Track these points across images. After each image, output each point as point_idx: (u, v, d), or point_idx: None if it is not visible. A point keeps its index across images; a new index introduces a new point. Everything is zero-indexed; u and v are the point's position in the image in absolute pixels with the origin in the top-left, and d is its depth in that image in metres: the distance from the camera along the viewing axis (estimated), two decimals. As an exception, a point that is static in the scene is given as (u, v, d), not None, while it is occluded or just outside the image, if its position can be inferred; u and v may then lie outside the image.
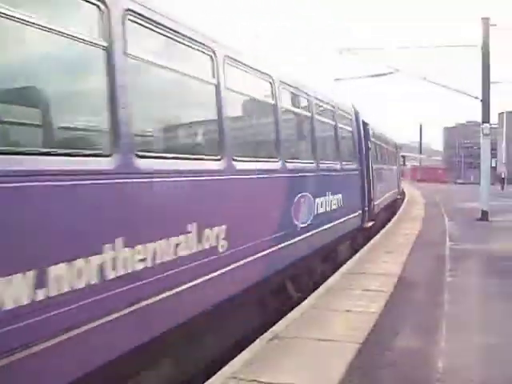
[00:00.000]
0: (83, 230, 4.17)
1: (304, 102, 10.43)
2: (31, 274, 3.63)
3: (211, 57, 6.38)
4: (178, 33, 5.68)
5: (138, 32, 5.04)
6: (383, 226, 19.46)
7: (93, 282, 4.18)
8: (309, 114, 10.50)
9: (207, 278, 5.87)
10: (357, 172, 14.86)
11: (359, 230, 15.17)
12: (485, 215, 21.54)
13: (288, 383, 5.29)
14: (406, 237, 16.13)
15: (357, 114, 15.63)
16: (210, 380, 5.45)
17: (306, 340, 6.60)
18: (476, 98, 22.39)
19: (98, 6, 4.51)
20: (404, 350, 6.26)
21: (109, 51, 4.60)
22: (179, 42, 5.77)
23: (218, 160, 6.46)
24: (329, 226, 11.10)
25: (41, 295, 3.71)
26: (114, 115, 4.64)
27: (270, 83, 8.40)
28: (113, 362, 4.35)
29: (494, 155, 53.61)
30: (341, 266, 11.86)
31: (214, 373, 5.63)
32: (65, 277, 3.91)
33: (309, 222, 9.63)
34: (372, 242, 15.41)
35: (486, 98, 22.04)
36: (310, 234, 9.64)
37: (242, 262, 6.79)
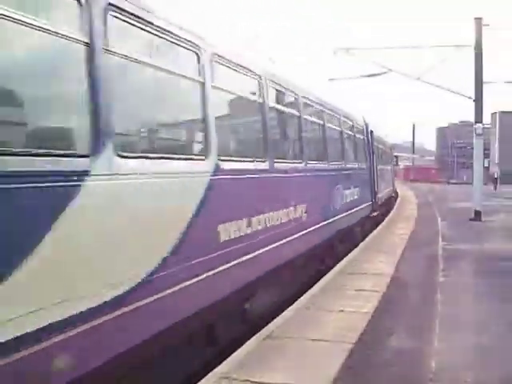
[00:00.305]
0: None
1: (336, 121, 14.05)
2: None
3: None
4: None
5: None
6: (383, 218, 22.25)
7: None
8: (340, 129, 14.38)
9: (299, 235, 9.58)
10: (367, 171, 18.85)
11: (368, 217, 18.74)
12: (478, 215, 21.58)
13: (281, 383, 5.28)
14: (398, 237, 16.15)
15: (366, 124, 19.80)
16: (202, 380, 5.44)
17: (300, 340, 6.60)
18: (469, 97, 22.44)
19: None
20: (397, 350, 6.27)
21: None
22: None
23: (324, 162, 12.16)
24: (351, 211, 14.94)
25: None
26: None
27: (315, 107, 11.81)
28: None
29: (486, 155, 53.66)
30: (355, 243, 15.13)
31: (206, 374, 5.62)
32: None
33: (341, 207, 13.52)
34: (365, 241, 15.43)
35: (479, 97, 22.08)
36: (342, 215, 13.53)
37: (313, 228, 10.58)
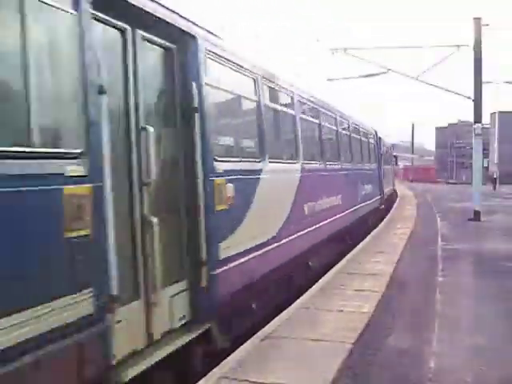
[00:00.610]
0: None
1: (358, 131, 18.51)
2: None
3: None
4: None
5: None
6: (387, 212, 25.39)
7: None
8: (359, 137, 18.76)
9: (339, 215, 13.65)
10: (377, 171, 23.10)
11: (376, 210, 22.58)
12: (477, 215, 21.55)
13: (280, 383, 5.28)
14: (398, 237, 16.14)
15: (376, 132, 24.53)
16: (201, 380, 5.43)
17: (298, 340, 6.59)
18: (468, 97, 22.43)
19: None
20: (396, 350, 6.27)
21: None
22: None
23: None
24: (367, 202, 19.10)
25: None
26: None
27: (345, 123, 16.18)
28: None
29: (485, 155, 53.77)
30: (368, 229, 18.55)
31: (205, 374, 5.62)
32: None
33: (361, 199, 17.57)
34: (364, 241, 15.43)
35: (478, 97, 22.06)
36: (362, 205, 17.67)
37: (346, 212, 14.57)
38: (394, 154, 41.78)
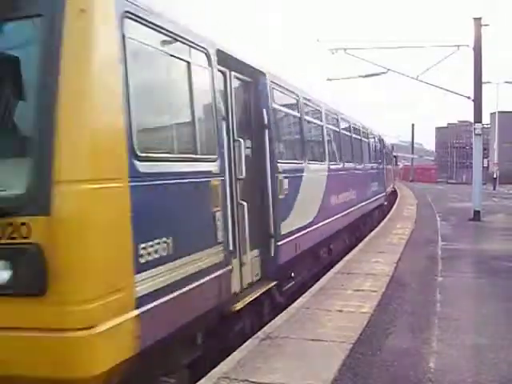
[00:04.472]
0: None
1: (368, 136, 21.19)
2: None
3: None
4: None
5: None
6: (390, 208, 27.75)
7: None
8: (367, 141, 21.10)
9: (354, 208, 15.78)
10: (381, 170, 25.39)
11: (381, 205, 24.58)
12: (477, 215, 21.56)
13: (280, 383, 5.28)
14: (398, 236, 16.15)
15: (380, 136, 27.06)
16: (201, 380, 5.44)
17: (298, 340, 6.60)
18: (468, 97, 22.43)
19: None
20: (396, 350, 6.27)
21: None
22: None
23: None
24: (375, 198, 21.62)
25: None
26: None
27: (356, 128, 18.57)
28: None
29: (485, 155, 53.76)
30: (374, 223, 21.07)
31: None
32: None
33: (370, 195, 20.19)
34: (364, 241, 15.44)
35: (478, 97, 22.06)
36: (371, 200, 20.33)
37: (359, 206, 16.83)
38: (394, 154, 41.82)
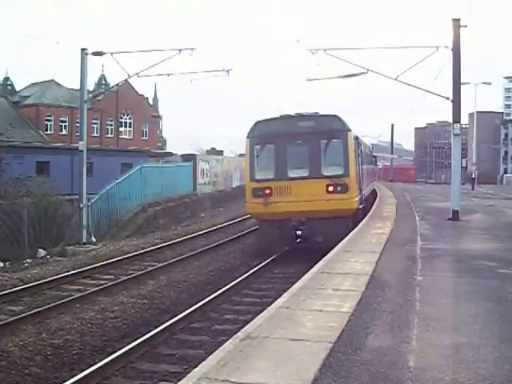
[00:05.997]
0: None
1: (367, 149, 32.44)
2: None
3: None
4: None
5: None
6: (374, 198, 34.13)
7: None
8: (366, 151, 30.84)
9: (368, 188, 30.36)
10: (374, 170, 39.96)
11: (372, 194, 34.00)
12: (456, 215, 21.75)
13: (261, 383, 5.27)
14: (377, 236, 16.19)
15: (372, 146, 40.49)
16: (181, 381, 5.41)
17: (279, 340, 6.59)
18: (447, 98, 22.60)
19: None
20: (376, 349, 6.29)
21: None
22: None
23: None
24: (370, 188, 31.16)
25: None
26: None
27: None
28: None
29: (464, 155, 54.27)
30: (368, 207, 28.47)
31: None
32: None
33: (369, 186, 30.27)
34: (343, 241, 15.47)
35: (457, 98, 22.25)
36: (369, 188, 30.44)
37: (368, 189, 29.83)
38: (374, 154, 42.10)
